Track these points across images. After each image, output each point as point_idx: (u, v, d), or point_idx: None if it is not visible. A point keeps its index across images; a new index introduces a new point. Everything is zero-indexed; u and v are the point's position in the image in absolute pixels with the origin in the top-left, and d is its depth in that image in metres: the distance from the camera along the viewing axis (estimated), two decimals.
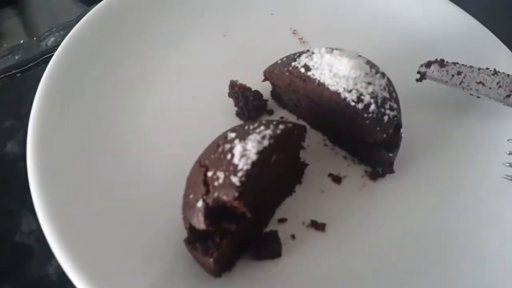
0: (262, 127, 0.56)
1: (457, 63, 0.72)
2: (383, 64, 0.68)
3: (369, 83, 0.62)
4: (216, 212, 0.52)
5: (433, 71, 0.71)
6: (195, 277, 0.55)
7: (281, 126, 0.56)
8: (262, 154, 0.53)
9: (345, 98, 0.60)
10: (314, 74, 0.62)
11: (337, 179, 0.66)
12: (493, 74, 0.72)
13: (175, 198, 0.57)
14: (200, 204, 0.52)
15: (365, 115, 0.60)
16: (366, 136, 0.63)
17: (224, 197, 0.51)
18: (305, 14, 0.86)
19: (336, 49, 0.65)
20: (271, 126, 0.56)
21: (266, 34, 0.82)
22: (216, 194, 0.52)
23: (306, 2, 0.87)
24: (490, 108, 0.74)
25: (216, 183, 0.52)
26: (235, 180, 0.51)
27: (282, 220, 0.62)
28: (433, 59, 0.72)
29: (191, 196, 0.54)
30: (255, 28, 0.83)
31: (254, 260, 0.58)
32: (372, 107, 0.60)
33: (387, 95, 0.63)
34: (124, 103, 0.70)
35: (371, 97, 0.61)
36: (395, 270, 0.59)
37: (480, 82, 0.71)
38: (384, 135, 0.62)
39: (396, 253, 0.60)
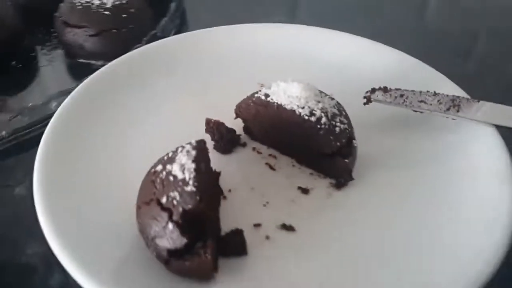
0: (178, 149, 0.62)
1: (400, 88, 0.85)
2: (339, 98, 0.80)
3: (318, 102, 0.74)
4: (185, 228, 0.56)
5: (378, 95, 0.83)
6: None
7: (192, 141, 0.63)
8: (196, 162, 0.59)
9: (299, 114, 0.72)
10: (273, 98, 0.75)
11: (305, 191, 0.75)
12: (433, 95, 0.84)
13: None
14: (171, 226, 0.55)
15: (318, 126, 0.71)
16: (323, 146, 0.73)
17: (189, 207, 0.55)
18: (269, 70, 0.99)
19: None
20: (184, 145, 0.63)
21: (237, 88, 0.94)
22: (180, 209, 0.55)
23: (267, 60, 1.00)
24: (432, 123, 0.84)
25: (175, 202, 0.55)
26: (190, 188, 0.56)
27: (257, 225, 0.70)
28: None
29: (156, 229, 0.56)
30: (226, 86, 0.95)
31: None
32: (323, 119, 0.72)
33: (337, 112, 0.75)
34: (116, 152, 0.81)
35: (322, 112, 0.72)
36: (362, 264, 0.66)
37: (421, 101, 0.82)
38: (338, 143, 0.72)
39: (363, 249, 0.67)
